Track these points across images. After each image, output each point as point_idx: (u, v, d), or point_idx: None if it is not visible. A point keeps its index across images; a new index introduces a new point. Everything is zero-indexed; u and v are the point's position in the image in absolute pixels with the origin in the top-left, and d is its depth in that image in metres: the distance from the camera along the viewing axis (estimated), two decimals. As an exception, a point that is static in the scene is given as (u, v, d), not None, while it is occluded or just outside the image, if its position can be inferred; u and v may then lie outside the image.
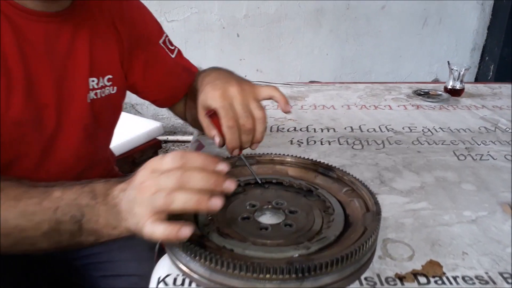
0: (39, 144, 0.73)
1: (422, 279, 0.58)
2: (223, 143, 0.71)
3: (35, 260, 0.83)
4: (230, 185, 0.51)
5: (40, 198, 0.55)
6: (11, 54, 0.66)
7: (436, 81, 2.76)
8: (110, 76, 0.81)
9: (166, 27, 0.94)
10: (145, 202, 0.50)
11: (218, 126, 0.70)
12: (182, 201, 0.48)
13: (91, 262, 0.86)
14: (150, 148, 1.77)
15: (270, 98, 0.74)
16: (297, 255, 0.55)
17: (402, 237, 0.67)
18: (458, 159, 0.93)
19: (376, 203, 0.63)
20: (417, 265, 0.61)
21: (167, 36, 0.92)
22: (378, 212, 0.61)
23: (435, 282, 0.57)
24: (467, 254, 0.63)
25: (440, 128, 1.10)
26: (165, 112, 2.74)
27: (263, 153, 0.80)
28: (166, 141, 2.74)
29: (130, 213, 0.52)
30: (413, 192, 0.80)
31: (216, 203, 0.49)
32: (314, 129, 1.08)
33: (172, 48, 0.92)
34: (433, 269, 0.60)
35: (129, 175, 0.55)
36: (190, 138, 2.68)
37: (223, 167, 0.52)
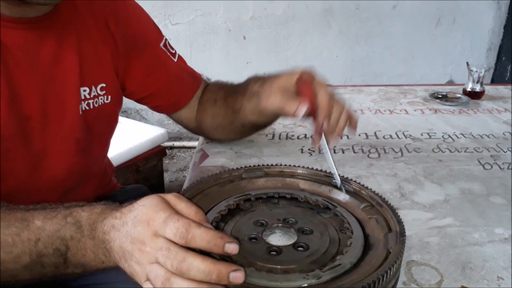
0: (26, 160, 0.67)
1: (454, 310, 0.51)
2: (309, 112, 0.67)
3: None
4: (237, 276, 0.43)
5: (19, 228, 0.49)
6: None
7: (450, 82, 2.68)
8: (103, 85, 0.74)
9: (171, 30, 0.88)
10: (144, 266, 0.44)
11: (308, 94, 0.67)
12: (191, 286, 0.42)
13: (87, 283, 0.80)
14: (155, 156, 1.72)
15: None
16: (306, 284, 0.48)
17: (428, 259, 0.60)
18: (484, 168, 0.86)
19: (399, 222, 0.56)
20: (447, 293, 0.54)
21: (167, 40, 0.86)
22: (402, 233, 0.54)
23: (470, 314, 0.51)
24: (503, 279, 0.56)
25: (461, 134, 1.03)
26: (171, 117, 2.68)
27: (272, 164, 0.73)
28: (172, 147, 2.69)
29: (126, 261, 0.46)
30: (437, 207, 0.73)
31: None
32: (326, 136, 1.01)
33: (173, 52, 0.86)
34: (465, 298, 0.53)
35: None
36: (196, 144, 2.62)
37: (232, 247, 0.45)
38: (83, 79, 0.71)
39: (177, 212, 0.46)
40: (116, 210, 0.49)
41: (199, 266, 0.42)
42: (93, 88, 0.73)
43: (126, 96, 0.84)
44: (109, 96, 0.76)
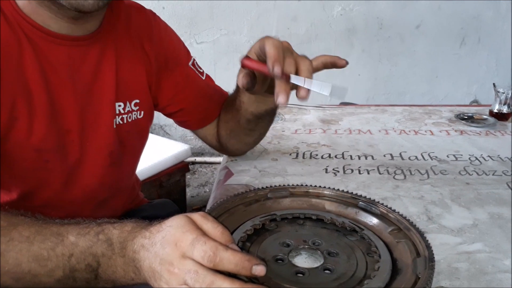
0: (63, 171, 0.71)
1: None
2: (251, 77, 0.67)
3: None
4: None
5: (54, 243, 0.51)
6: (34, 78, 0.64)
7: (475, 102, 2.64)
8: (137, 101, 0.77)
9: (196, 49, 0.92)
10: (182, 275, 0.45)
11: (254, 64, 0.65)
12: None
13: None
14: (178, 171, 1.74)
15: (324, 67, 0.71)
16: None
17: (458, 286, 0.59)
18: (513, 192, 0.84)
19: (428, 247, 0.56)
20: (478, 322, 0.53)
21: (195, 59, 0.89)
22: (431, 258, 0.54)
23: None
24: (536, 309, 0.55)
25: (488, 156, 1.01)
26: (193, 133, 2.71)
27: (297, 184, 0.73)
28: (193, 162, 2.72)
29: (155, 281, 0.47)
30: (465, 231, 0.71)
31: None
32: (351, 156, 1.01)
33: (201, 71, 0.90)
34: (497, 327, 0.52)
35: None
36: (217, 159, 2.64)
37: (260, 269, 0.46)
38: (119, 94, 0.74)
39: (204, 234, 0.47)
40: (146, 229, 0.50)
41: (228, 286, 0.43)
42: (128, 103, 0.76)
43: (157, 111, 0.87)
44: (142, 112, 0.79)
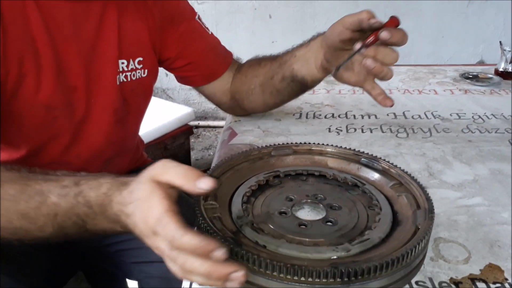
0: (70, 128, 0.72)
1: (481, 285, 0.52)
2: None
3: (64, 248, 0.82)
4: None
5: (38, 202, 0.51)
6: (39, 35, 0.64)
7: (481, 63, 2.60)
8: (141, 58, 0.78)
9: (197, 9, 0.90)
10: (161, 251, 0.45)
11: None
12: (200, 282, 0.44)
13: (122, 248, 0.84)
14: (182, 134, 1.75)
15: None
16: (335, 257, 0.50)
17: (456, 237, 0.60)
18: (515, 149, 0.85)
19: (428, 199, 0.57)
20: (475, 269, 0.55)
21: (199, 15, 0.89)
22: (430, 210, 0.55)
23: (497, 289, 0.51)
24: (531, 258, 0.56)
25: (492, 114, 1.01)
26: (196, 97, 2.71)
27: (300, 142, 0.74)
28: (197, 126, 2.73)
29: (143, 240, 0.48)
30: (465, 186, 0.73)
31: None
32: (354, 116, 1.02)
33: (206, 26, 0.90)
34: (493, 274, 0.54)
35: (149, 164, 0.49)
36: (221, 123, 2.65)
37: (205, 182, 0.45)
38: (122, 52, 0.74)
39: (167, 209, 0.44)
40: (119, 193, 0.49)
41: (196, 262, 0.43)
42: (131, 61, 0.76)
43: (164, 67, 0.87)
44: (146, 70, 0.79)
